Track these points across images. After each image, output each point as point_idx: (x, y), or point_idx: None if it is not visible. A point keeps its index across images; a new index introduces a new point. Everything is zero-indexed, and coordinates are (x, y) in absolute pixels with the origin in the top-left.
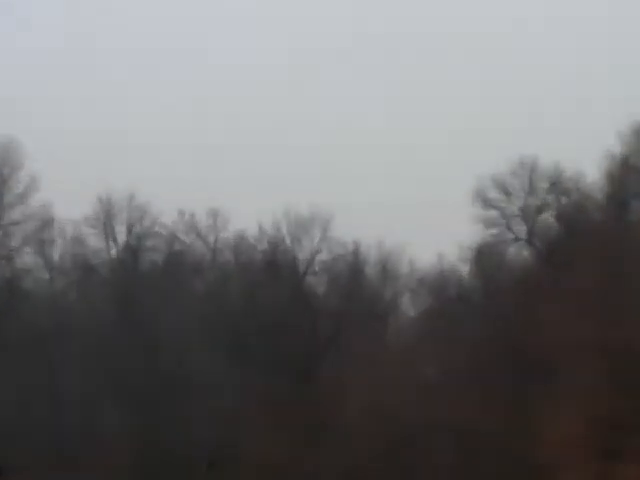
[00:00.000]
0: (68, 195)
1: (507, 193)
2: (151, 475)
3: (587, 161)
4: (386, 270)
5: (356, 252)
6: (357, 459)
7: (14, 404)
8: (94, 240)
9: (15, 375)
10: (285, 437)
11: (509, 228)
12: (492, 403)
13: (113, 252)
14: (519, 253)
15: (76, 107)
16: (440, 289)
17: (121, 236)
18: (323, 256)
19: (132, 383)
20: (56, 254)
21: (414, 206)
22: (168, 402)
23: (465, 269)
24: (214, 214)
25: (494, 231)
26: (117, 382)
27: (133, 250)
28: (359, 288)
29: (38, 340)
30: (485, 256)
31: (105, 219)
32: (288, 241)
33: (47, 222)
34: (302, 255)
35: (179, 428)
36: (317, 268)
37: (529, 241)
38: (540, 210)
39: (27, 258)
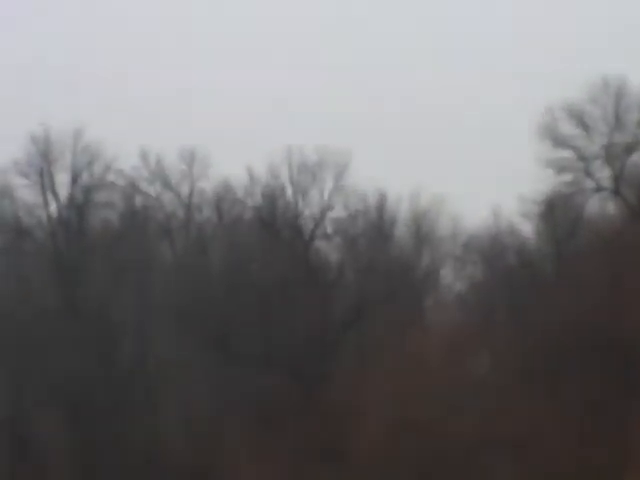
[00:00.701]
0: None
1: (586, 127)
2: None
3: None
4: (421, 231)
5: (381, 207)
6: None
7: None
8: (27, 193)
9: None
10: (280, 463)
11: (588, 174)
12: (570, 412)
13: (53, 209)
14: (602, 206)
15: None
16: (495, 256)
17: (63, 188)
18: (337, 213)
19: (77, 386)
20: None
21: (459, 147)
22: (125, 411)
23: (529, 229)
24: (189, 157)
25: (569, 178)
26: (57, 384)
27: (79, 207)
28: (385, 255)
29: None
30: (557, 211)
31: (41, 165)
32: (290, 193)
33: None
34: (309, 212)
35: (139, 446)
36: (329, 229)
37: (615, 190)
38: (630, 149)
39: None
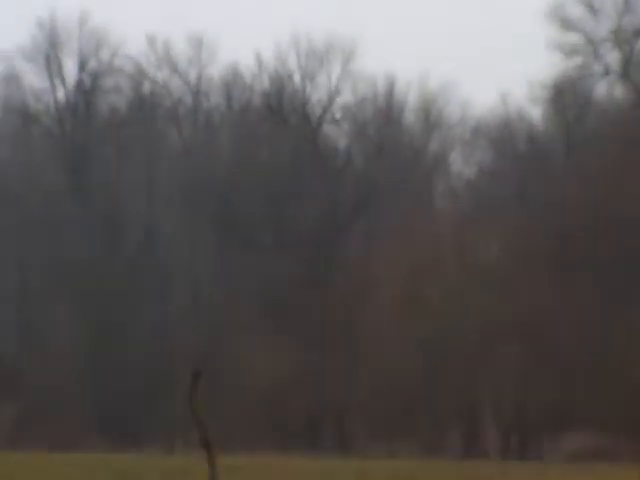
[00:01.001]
0: None
1: (594, 10)
2: (110, 392)
3: None
4: (430, 116)
5: (389, 92)
6: (390, 370)
7: None
8: (33, 79)
9: None
10: (293, 342)
11: (597, 57)
12: (576, 296)
13: (60, 95)
14: (611, 91)
15: None
16: (504, 141)
17: (70, 73)
18: (345, 98)
19: (86, 272)
20: None
21: (466, 29)
22: (135, 297)
23: (538, 114)
24: (196, 42)
25: (577, 61)
26: (66, 270)
27: (87, 92)
28: (394, 140)
29: None
30: (565, 95)
31: (48, 50)
32: (297, 78)
33: None
34: (316, 97)
35: (151, 332)
36: (337, 114)
37: (625, 74)
38: (638, 33)
39: None
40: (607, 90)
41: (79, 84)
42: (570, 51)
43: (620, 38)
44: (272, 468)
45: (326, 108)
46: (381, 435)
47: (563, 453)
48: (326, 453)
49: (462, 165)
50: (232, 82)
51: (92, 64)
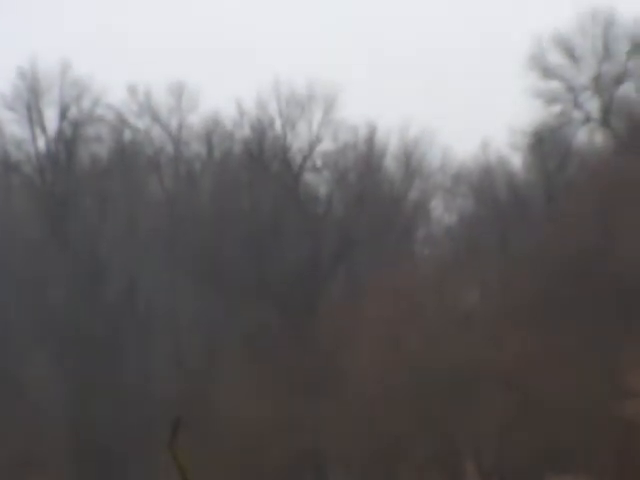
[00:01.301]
0: None
1: (574, 58)
2: (93, 443)
3: None
4: (411, 163)
5: (370, 140)
6: (371, 416)
7: None
8: (14, 128)
9: None
10: (276, 388)
11: (577, 105)
12: (559, 343)
13: (41, 144)
14: (591, 138)
15: None
16: (485, 188)
17: (51, 123)
18: (326, 146)
19: (67, 321)
20: None
21: (447, 76)
22: (115, 346)
23: (519, 161)
24: (177, 91)
25: (557, 109)
26: (47, 320)
27: (68, 141)
28: (374, 188)
29: None
30: (546, 143)
31: (29, 99)
32: (278, 125)
33: None
34: (297, 144)
35: (132, 380)
36: (318, 162)
37: (604, 121)
38: (619, 80)
39: None
40: (587, 137)
41: (60, 133)
42: (550, 99)
43: (600, 86)
44: None
45: (307, 156)
46: None
47: None
48: None
49: (443, 212)
50: (213, 130)
51: (73, 113)
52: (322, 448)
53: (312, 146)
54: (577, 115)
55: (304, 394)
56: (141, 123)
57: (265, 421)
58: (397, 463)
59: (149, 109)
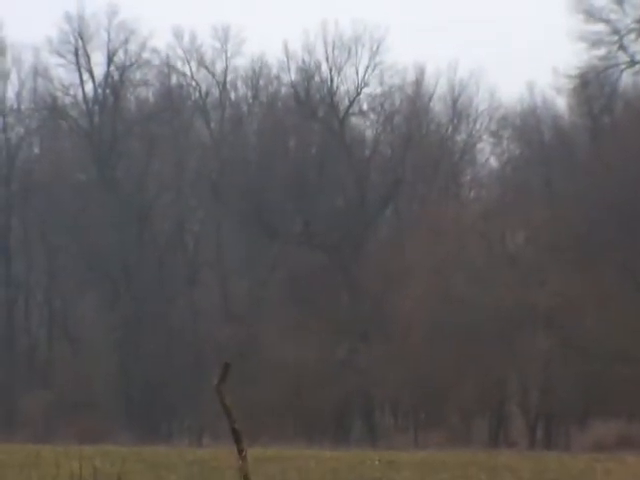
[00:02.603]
0: (25, 12)
1: (619, 0)
2: (143, 383)
3: None
4: (458, 106)
5: (418, 83)
6: (418, 359)
7: None
8: (62, 72)
9: None
10: (322, 332)
11: (622, 47)
12: (602, 284)
13: (88, 88)
14: (636, 80)
15: None
16: (531, 131)
17: (99, 67)
18: (373, 89)
19: (114, 262)
20: (11, 92)
21: (494, 21)
22: (164, 288)
23: (564, 103)
24: (223, 34)
25: (602, 51)
26: (96, 262)
27: (115, 85)
28: (422, 131)
29: None
30: (591, 86)
31: (77, 43)
32: (325, 69)
33: None
34: (344, 87)
35: (180, 321)
36: (365, 105)
37: None
38: None
39: None
40: (632, 80)
41: (107, 77)
42: (595, 41)
43: None
44: (300, 459)
45: (353, 99)
46: (408, 426)
47: (590, 442)
48: (354, 444)
49: (489, 154)
50: (259, 73)
51: (120, 57)
52: (369, 391)
53: (359, 89)
54: (622, 57)
55: (351, 337)
56: (187, 67)
57: (312, 364)
58: (443, 406)
59: (195, 53)
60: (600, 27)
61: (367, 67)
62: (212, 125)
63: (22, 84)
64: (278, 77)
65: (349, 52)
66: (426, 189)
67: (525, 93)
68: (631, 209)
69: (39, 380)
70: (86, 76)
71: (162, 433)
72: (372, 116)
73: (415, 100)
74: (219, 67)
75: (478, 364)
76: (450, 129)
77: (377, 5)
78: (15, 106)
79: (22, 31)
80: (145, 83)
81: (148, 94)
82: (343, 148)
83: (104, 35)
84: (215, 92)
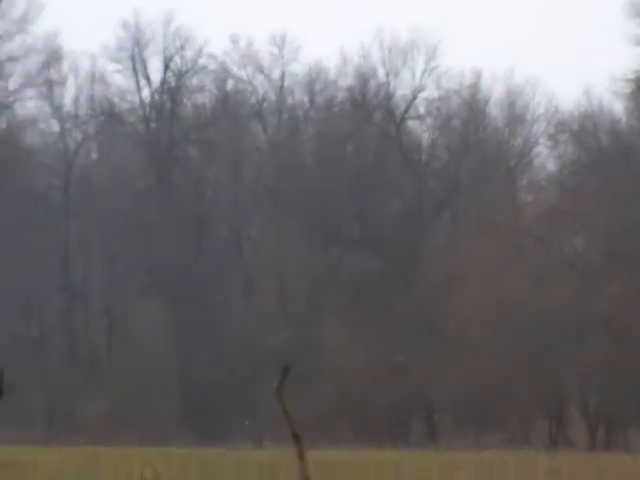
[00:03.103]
0: (82, 20)
1: None
2: (202, 387)
3: None
4: (515, 110)
5: (474, 87)
6: (477, 362)
7: (20, 295)
8: (119, 79)
9: (18, 260)
10: (380, 336)
11: None
12: None
13: (145, 94)
14: None
15: None
16: (588, 135)
17: (155, 73)
18: (429, 93)
19: (172, 268)
20: (68, 98)
21: (550, 26)
22: (222, 293)
23: (620, 108)
24: (280, 40)
25: None
26: (152, 268)
27: (171, 91)
28: (478, 135)
29: (47, 213)
30: None
31: (133, 50)
32: (382, 74)
33: (55, 55)
34: (400, 92)
35: (239, 325)
36: (421, 109)
37: None
38: None
39: (30, 104)
40: None
41: (164, 83)
42: None
43: None
44: (361, 462)
45: (410, 103)
46: (468, 428)
47: None
48: (414, 446)
49: (546, 159)
50: (316, 78)
51: (176, 63)
52: (429, 394)
53: (415, 93)
54: None
55: (409, 340)
56: (244, 73)
57: (371, 367)
58: (503, 408)
59: (251, 58)
60: None
61: (423, 71)
62: (269, 130)
63: (79, 90)
64: (335, 82)
65: (405, 56)
66: (483, 193)
67: (582, 98)
68: None
69: (99, 385)
70: (143, 82)
71: (222, 437)
72: (429, 120)
73: (472, 104)
74: (276, 73)
75: (536, 367)
76: (507, 133)
77: (433, 10)
78: (73, 112)
79: (79, 39)
80: (202, 89)
81: (205, 100)
82: (400, 152)
83: (160, 41)
84: (272, 97)
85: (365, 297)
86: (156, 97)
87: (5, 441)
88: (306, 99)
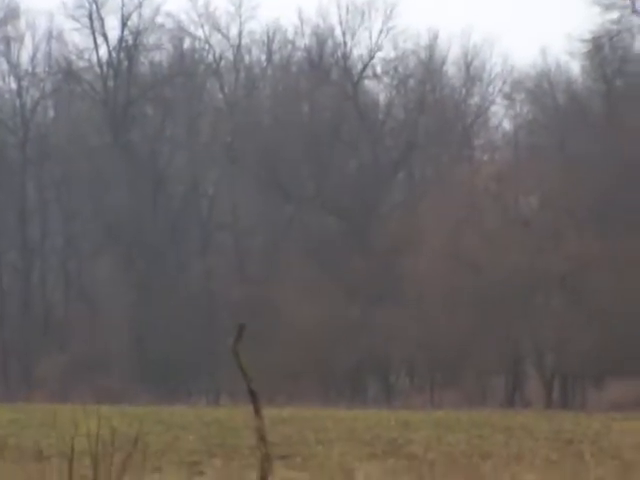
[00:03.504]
0: None
1: None
2: (157, 345)
3: None
4: (472, 70)
5: (431, 46)
6: (433, 321)
7: None
8: (76, 37)
9: None
10: (336, 293)
11: (635, 11)
12: (615, 246)
13: (103, 52)
14: None
15: None
16: (544, 94)
17: (113, 31)
18: (386, 53)
19: (129, 225)
20: (25, 56)
21: None
22: (179, 250)
23: (577, 67)
24: None
25: (615, 16)
26: (111, 226)
27: (129, 49)
28: (435, 94)
29: (5, 172)
30: (604, 50)
31: (91, 8)
32: (338, 33)
33: (12, 13)
34: (358, 52)
35: (194, 283)
36: (378, 69)
37: None
38: None
39: None
40: None
41: (121, 41)
42: (608, 5)
43: None
44: (317, 419)
45: (367, 63)
46: (424, 386)
47: (606, 402)
48: (370, 404)
49: (502, 118)
50: (273, 37)
51: (134, 21)
52: (384, 353)
53: (372, 53)
54: (635, 21)
55: (366, 298)
56: (201, 31)
57: (327, 326)
58: (459, 368)
59: (209, 17)
60: None
61: (380, 31)
62: (226, 89)
63: (36, 48)
64: (292, 41)
65: (362, 16)
66: (439, 152)
67: (539, 57)
68: None
69: (55, 342)
70: (100, 40)
71: (179, 394)
72: (385, 80)
73: (428, 64)
74: (233, 31)
75: (493, 325)
76: (463, 93)
77: None
78: (30, 70)
79: None
80: (159, 47)
81: (162, 58)
82: (357, 112)
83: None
84: (229, 56)
85: (321, 255)
86: (113, 55)
87: None
88: (263, 58)
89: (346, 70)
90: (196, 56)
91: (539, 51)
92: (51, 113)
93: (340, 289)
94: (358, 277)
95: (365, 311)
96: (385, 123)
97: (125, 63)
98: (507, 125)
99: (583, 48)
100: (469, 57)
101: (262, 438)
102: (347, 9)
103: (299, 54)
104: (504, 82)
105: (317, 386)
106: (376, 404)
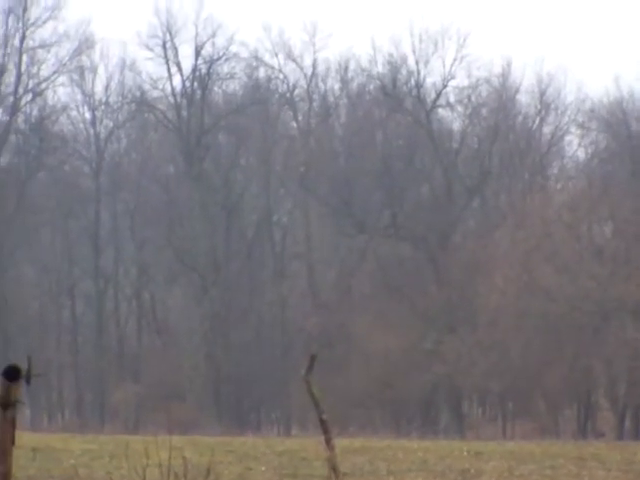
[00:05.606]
0: (114, 7)
1: None
2: (230, 373)
3: None
4: (545, 98)
5: (504, 75)
6: (506, 350)
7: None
8: (150, 66)
9: (45, 249)
10: (409, 322)
11: None
12: None
13: (176, 82)
14: None
15: None
16: (618, 123)
17: (187, 60)
18: (459, 81)
19: (203, 256)
20: (99, 85)
21: (581, 15)
22: (252, 280)
23: None
24: (311, 27)
25: None
26: (184, 255)
27: (203, 78)
28: (508, 122)
29: (79, 202)
30: None
31: (164, 37)
32: (412, 61)
33: (87, 42)
34: (431, 80)
35: (268, 311)
36: (451, 97)
37: None
38: None
39: (61, 91)
40: None
41: (195, 70)
42: None
43: None
44: (388, 449)
45: (440, 91)
46: (496, 416)
47: None
48: (441, 435)
49: (576, 147)
50: (347, 65)
51: (208, 51)
52: (457, 382)
53: (445, 82)
54: None
55: (438, 327)
56: (275, 60)
57: (400, 355)
58: (531, 398)
59: (283, 46)
60: None
61: (454, 59)
62: (299, 118)
63: (110, 78)
64: (366, 70)
65: (436, 45)
66: (513, 181)
67: (612, 85)
68: None
69: (128, 372)
70: (174, 69)
71: (250, 424)
72: (459, 108)
73: (502, 92)
74: (307, 60)
75: (565, 354)
76: (537, 121)
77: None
78: (104, 100)
79: (110, 26)
80: (232, 76)
81: (235, 87)
82: (430, 140)
83: (192, 28)
84: (303, 85)
85: (395, 283)
86: (187, 84)
87: (37, 428)
88: (337, 87)
89: (419, 98)
90: (270, 85)
91: (612, 79)
92: (125, 143)
93: (413, 318)
94: (431, 306)
95: (438, 340)
96: (459, 152)
97: (199, 92)
98: (580, 154)
99: None
100: (542, 85)
101: (334, 468)
102: (420, 37)
103: (373, 83)
104: (578, 111)
105: (389, 415)
106: (448, 434)
